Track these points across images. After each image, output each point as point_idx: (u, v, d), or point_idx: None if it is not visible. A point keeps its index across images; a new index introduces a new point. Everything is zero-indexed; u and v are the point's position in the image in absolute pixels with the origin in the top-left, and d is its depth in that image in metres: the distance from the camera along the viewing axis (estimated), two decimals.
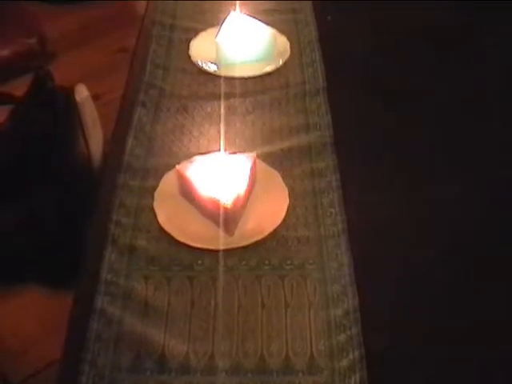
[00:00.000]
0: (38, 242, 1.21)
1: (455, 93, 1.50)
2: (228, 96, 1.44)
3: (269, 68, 1.52)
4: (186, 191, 1.17)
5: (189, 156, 1.25)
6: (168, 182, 1.20)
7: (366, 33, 1.72)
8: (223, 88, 1.46)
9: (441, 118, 1.44)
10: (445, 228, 1.18)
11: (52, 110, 1.28)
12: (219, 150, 1.23)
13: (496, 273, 1.11)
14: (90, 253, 1.13)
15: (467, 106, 1.47)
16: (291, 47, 1.60)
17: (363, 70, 1.57)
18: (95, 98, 1.45)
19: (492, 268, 1.12)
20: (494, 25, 1.78)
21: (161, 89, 1.47)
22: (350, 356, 0.96)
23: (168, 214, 1.15)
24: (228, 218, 1.11)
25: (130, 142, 1.31)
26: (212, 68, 1.52)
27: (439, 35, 1.71)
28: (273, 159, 1.27)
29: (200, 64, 1.53)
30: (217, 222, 1.12)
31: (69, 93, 1.33)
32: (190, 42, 1.61)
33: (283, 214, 1.15)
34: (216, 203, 1.10)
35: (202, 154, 1.25)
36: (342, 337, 0.98)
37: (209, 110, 1.41)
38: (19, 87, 1.60)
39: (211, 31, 1.62)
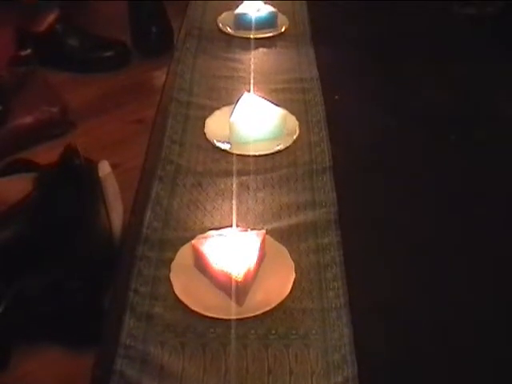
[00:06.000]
0: (61, 309, 1.26)
1: (463, 176, 1.56)
2: (240, 173, 1.52)
3: (279, 147, 1.61)
4: (201, 264, 1.24)
5: (203, 230, 1.33)
6: (184, 254, 1.28)
7: (371, 112, 1.79)
8: (235, 165, 1.54)
9: (445, 201, 1.48)
10: (446, 305, 1.22)
11: (77, 184, 1.34)
12: (231, 225, 1.31)
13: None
14: (110, 318, 1.19)
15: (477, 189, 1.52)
16: (300, 126, 1.69)
17: (367, 149, 1.64)
18: (112, 167, 1.50)
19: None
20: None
21: (177, 164, 1.55)
22: None
23: (183, 284, 1.22)
24: (239, 290, 1.18)
25: (148, 215, 1.39)
26: (225, 146, 1.61)
27: (440, 118, 1.79)
28: (281, 234, 1.34)
29: (214, 142, 1.62)
30: (228, 294, 1.19)
31: (92, 168, 1.40)
32: (205, 119, 1.71)
33: (290, 286, 1.22)
34: (228, 276, 1.18)
35: (215, 228, 1.33)
36: None
37: (222, 186, 1.48)
38: (40, 154, 1.67)
39: (225, 110, 1.71)
